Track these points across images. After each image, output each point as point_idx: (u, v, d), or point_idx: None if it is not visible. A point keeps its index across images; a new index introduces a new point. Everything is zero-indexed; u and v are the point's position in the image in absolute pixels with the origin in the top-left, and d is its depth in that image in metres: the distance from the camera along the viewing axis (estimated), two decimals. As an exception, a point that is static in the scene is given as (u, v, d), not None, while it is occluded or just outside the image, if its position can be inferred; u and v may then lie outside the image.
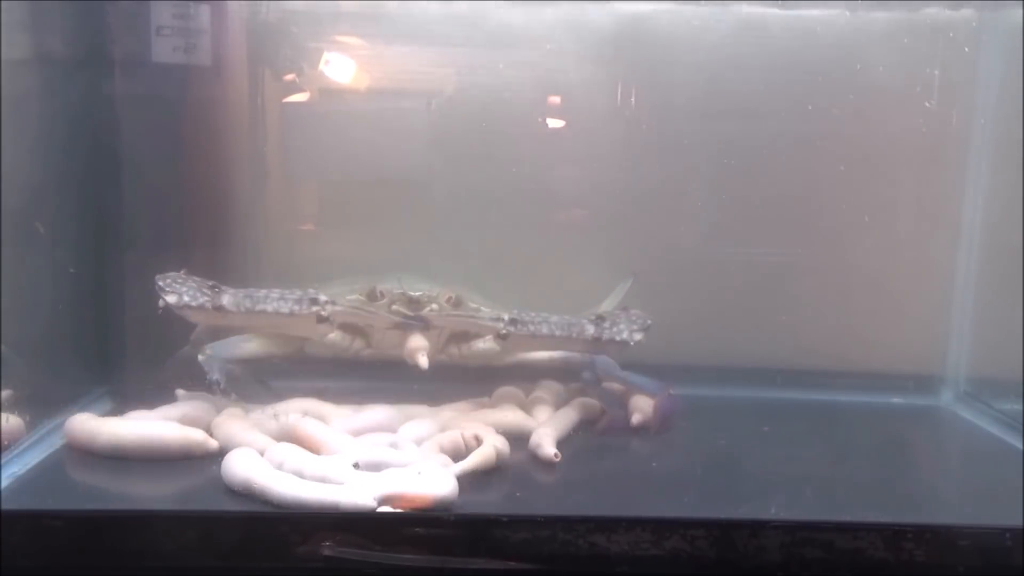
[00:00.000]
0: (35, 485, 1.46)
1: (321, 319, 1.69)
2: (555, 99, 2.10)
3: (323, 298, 1.70)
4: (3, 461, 1.50)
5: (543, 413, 1.76)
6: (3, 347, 1.53)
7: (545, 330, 1.72)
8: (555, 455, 1.56)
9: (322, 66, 2.06)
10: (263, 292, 1.69)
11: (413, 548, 1.25)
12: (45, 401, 1.70)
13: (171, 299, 1.64)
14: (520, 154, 2.08)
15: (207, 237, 1.95)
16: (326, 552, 1.24)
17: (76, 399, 1.80)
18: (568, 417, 1.74)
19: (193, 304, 1.64)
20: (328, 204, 2.20)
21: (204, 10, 1.86)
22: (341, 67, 2.07)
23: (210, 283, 1.68)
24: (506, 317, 1.72)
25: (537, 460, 1.58)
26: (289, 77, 2.07)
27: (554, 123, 2.11)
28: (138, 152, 1.84)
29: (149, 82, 1.83)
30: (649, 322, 1.76)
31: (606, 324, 1.74)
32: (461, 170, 2.09)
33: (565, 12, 2.05)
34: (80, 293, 1.83)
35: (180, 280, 1.67)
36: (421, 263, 2.00)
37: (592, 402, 1.82)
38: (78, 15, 1.78)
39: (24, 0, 1.63)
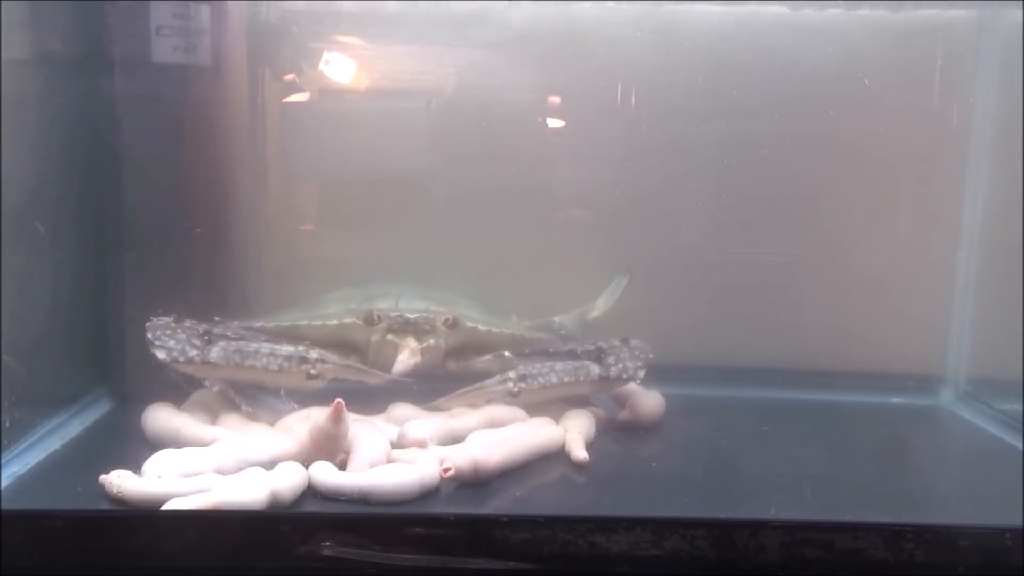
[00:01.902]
0: (35, 485, 1.46)
1: (311, 376, 1.66)
2: (555, 99, 2.10)
3: (314, 355, 1.66)
4: (3, 461, 1.51)
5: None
6: (3, 348, 1.53)
7: (554, 379, 1.72)
8: (585, 458, 1.58)
9: (322, 66, 2.06)
10: (254, 346, 1.66)
11: (413, 548, 1.25)
12: (45, 401, 1.70)
13: (161, 355, 1.63)
14: (520, 154, 2.08)
15: (207, 237, 1.95)
16: (326, 552, 1.24)
17: (76, 399, 1.81)
18: (590, 420, 1.75)
19: (181, 359, 1.63)
20: (328, 204, 2.20)
21: (204, 10, 1.85)
22: (341, 67, 2.07)
23: (201, 329, 1.66)
24: (512, 375, 1.71)
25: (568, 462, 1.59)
26: (289, 77, 2.07)
27: (554, 123, 2.11)
28: (138, 152, 1.83)
29: (149, 82, 1.83)
30: (650, 356, 1.76)
31: (610, 360, 1.74)
32: (461, 170, 2.09)
33: (565, 12, 2.05)
34: (80, 293, 1.83)
35: (169, 331, 1.65)
36: (420, 263, 2.00)
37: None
38: (78, 15, 1.77)
39: (24, 0, 1.62)
